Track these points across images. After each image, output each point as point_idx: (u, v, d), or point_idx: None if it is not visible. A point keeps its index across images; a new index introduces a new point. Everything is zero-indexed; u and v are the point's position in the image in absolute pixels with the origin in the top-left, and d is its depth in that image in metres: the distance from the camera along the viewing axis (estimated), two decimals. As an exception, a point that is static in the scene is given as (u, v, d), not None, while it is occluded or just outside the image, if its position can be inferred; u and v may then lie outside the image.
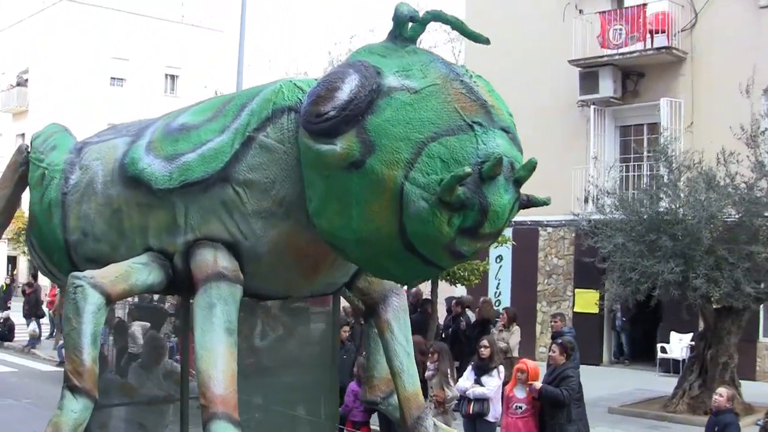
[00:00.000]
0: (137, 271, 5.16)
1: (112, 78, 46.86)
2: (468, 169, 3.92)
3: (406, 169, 4.06)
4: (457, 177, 3.91)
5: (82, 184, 5.91)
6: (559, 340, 10.70)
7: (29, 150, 6.63)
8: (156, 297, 8.22)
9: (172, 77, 49.32)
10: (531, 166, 4.13)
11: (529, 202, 4.35)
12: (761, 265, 14.34)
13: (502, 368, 10.75)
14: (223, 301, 4.85)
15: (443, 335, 15.88)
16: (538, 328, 22.67)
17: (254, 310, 6.59)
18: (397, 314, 5.60)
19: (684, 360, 18.47)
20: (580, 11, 21.87)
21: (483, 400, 10.35)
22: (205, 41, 49.30)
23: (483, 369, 10.51)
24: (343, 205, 4.28)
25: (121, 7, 46.35)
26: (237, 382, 4.85)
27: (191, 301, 5.23)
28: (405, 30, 4.48)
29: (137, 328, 8.88)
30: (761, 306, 15.61)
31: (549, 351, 10.76)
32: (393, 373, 5.50)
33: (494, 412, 10.37)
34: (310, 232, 4.72)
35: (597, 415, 14.49)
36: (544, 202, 4.37)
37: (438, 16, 4.44)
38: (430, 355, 10.64)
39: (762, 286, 14.39)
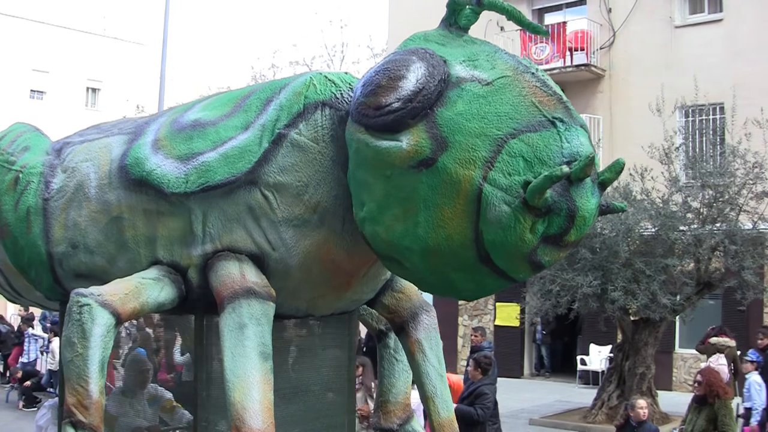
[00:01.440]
0: (148, 288, 4.54)
1: (31, 91, 45.85)
2: (566, 169, 3.48)
3: (485, 168, 3.61)
4: (551, 178, 3.48)
5: (68, 189, 5.24)
6: (475, 356, 10.56)
7: None
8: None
9: (94, 90, 48.51)
10: (618, 168, 3.70)
11: (608, 209, 3.96)
12: (677, 277, 14.70)
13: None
14: (255, 321, 4.26)
15: (365, 349, 15.91)
16: (460, 341, 22.83)
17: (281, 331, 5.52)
18: (429, 333, 5.06)
19: (603, 371, 18.81)
20: (502, 28, 22.19)
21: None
22: (127, 54, 48.63)
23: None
24: (408, 209, 3.80)
25: (42, 19, 45.51)
26: None
27: (205, 322, 4.82)
28: (460, 18, 4.10)
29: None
30: (677, 317, 15.95)
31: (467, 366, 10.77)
32: (425, 398, 4.98)
33: (417, 425, 10.38)
34: (346, 242, 4.38)
35: (518, 427, 14.69)
36: (622, 209, 4.09)
37: (494, 5, 3.98)
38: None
39: (678, 297, 14.75)
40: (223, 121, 4.66)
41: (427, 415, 5.12)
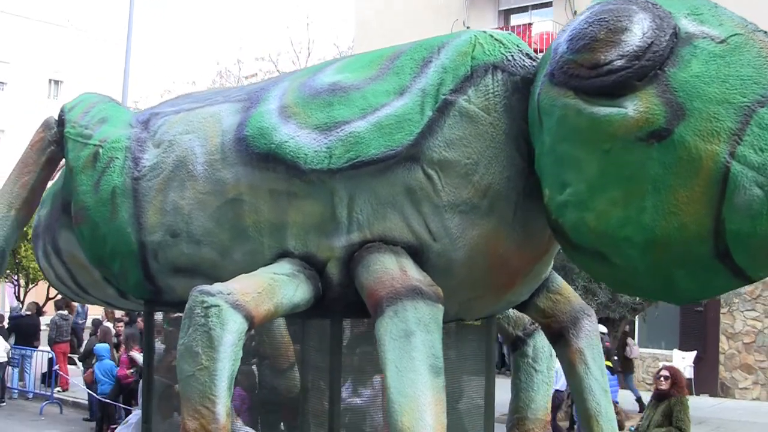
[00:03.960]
0: (282, 286, 3.82)
1: (-8, 81, 45.40)
2: None
3: (731, 143, 2.97)
4: None
5: (165, 166, 4.49)
6: None
7: (64, 124, 5.08)
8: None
9: (56, 82, 47.92)
10: None
11: None
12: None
13: (378, 378, 10.80)
14: (423, 328, 3.55)
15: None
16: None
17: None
18: (591, 342, 4.43)
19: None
20: (468, 28, 22.31)
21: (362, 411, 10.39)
22: (91, 47, 48.10)
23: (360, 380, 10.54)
24: (630, 192, 3.15)
25: (3, 8, 44.94)
26: None
27: (346, 325, 4.23)
28: None
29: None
30: (636, 316, 16.15)
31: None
32: (586, 416, 4.32)
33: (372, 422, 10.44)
34: (516, 233, 3.80)
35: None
36: None
37: None
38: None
39: (637, 297, 14.93)
40: (371, 85, 3.96)
41: None
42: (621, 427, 9.30)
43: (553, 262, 4.38)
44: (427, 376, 3.47)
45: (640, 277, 3.34)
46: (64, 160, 5.14)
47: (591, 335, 4.43)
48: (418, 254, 3.80)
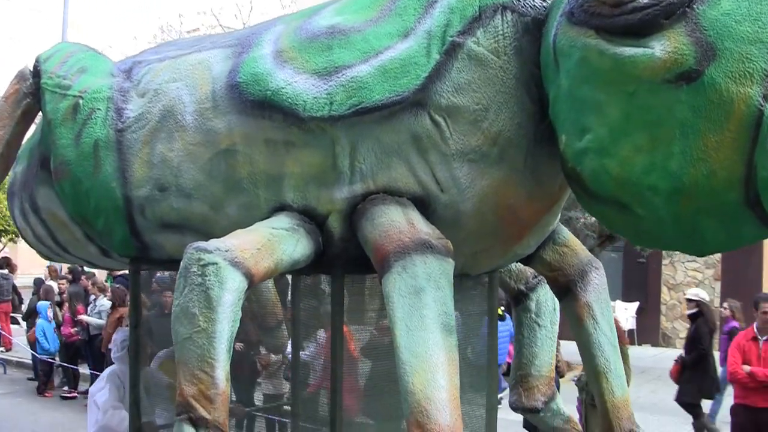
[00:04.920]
0: (282, 241, 3.59)
1: None
2: None
3: (765, 85, 2.76)
4: None
5: (151, 116, 4.23)
6: None
7: (40, 75, 4.76)
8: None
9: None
10: None
11: None
12: (579, 229, 15.03)
13: (322, 332, 10.83)
14: (434, 283, 3.32)
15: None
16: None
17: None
18: (599, 296, 4.26)
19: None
20: None
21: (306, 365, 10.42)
22: (25, 18, 46.89)
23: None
24: (657, 137, 2.94)
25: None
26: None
27: (348, 281, 4.00)
28: None
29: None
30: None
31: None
32: (595, 373, 4.20)
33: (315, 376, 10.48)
34: (527, 183, 3.61)
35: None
36: None
37: None
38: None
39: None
40: (372, 27, 3.70)
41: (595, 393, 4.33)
42: (562, 375, 9.40)
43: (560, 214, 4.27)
44: (439, 335, 3.25)
45: (665, 227, 3.14)
46: (40, 112, 4.88)
47: (599, 289, 4.28)
48: (424, 206, 3.60)
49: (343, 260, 3.81)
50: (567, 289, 4.29)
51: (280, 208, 3.82)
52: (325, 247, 3.78)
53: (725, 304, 12.06)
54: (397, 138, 3.56)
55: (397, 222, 3.47)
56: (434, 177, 3.57)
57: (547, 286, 4.60)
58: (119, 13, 46.65)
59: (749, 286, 17.21)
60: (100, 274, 16.91)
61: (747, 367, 8.19)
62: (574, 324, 4.27)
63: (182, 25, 25.52)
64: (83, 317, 13.70)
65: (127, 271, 6.96)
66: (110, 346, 5.90)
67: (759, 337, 8.31)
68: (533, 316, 4.73)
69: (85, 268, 15.45)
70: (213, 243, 3.44)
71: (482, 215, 3.63)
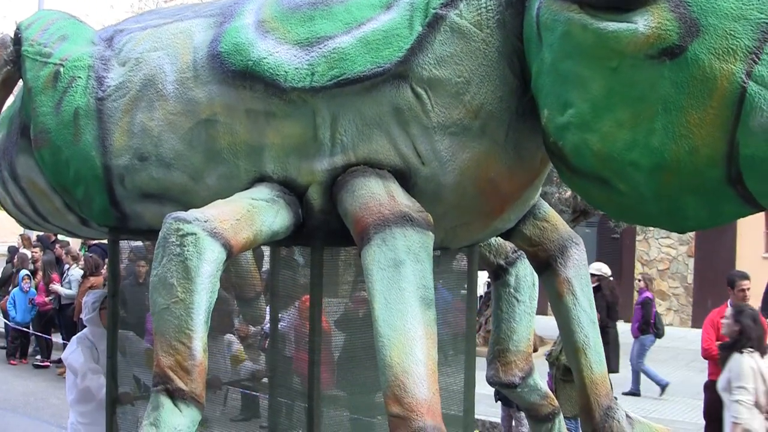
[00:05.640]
0: (262, 212, 3.57)
1: None
2: None
3: (748, 62, 2.75)
4: None
5: (132, 85, 4.18)
6: None
7: (20, 43, 4.68)
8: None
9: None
10: None
11: None
12: (554, 204, 15.08)
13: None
14: (413, 256, 3.31)
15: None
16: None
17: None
18: (579, 271, 4.25)
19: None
20: None
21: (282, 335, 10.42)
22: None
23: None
24: (639, 113, 2.93)
25: None
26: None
27: (327, 253, 3.93)
28: None
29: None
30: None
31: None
32: (574, 349, 4.18)
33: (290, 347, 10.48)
34: (508, 156, 3.59)
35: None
36: None
37: None
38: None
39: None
40: None
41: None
42: (535, 350, 9.47)
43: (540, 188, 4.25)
44: (418, 309, 3.24)
45: (646, 203, 3.14)
46: (21, 80, 4.82)
47: (579, 264, 4.26)
48: (405, 178, 3.58)
49: (323, 232, 3.78)
50: (547, 265, 4.27)
51: (260, 179, 3.79)
52: (305, 219, 3.76)
53: (638, 275, 12.28)
54: (378, 110, 3.55)
55: (377, 194, 3.45)
56: (415, 150, 3.56)
57: (527, 261, 4.58)
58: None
59: (722, 263, 17.39)
60: (75, 243, 16.82)
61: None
62: (554, 299, 4.26)
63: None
64: (55, 286, 13.61)
65: (103, 241, 6.86)
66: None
67: (733, 314, 8.37)
68: (512, 290, 4.72)
69: (59, 236, 15.35)
70: (192, 213, 3.41)
71: (463, 189, 3.62)
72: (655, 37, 2.83)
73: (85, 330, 5.75)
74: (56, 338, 13.84)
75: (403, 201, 3.45)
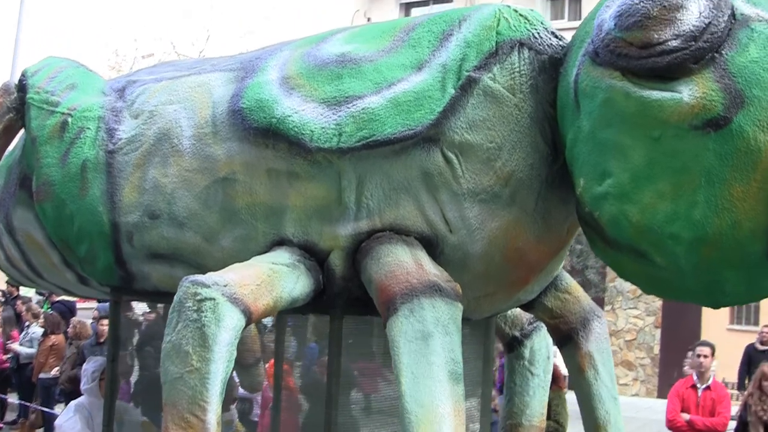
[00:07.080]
0: (282, 277, 3.37)
1: None
2: None
3: None
4: None
5: (145, 139, 3.98)
6: None
7: (26, 90, 4.48)
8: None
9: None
10: None
11: None
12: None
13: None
14: (442, 329, 3.14)
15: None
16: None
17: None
18: (600, 345, 4.11)
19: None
20: (369, 19, 22.24)
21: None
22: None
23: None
24: (681, 184, 2.83)
25: None
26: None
27: (344, 322, 3.74)
28: None
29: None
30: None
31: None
32: (595, 426, 4.02)
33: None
34: (537, 226, 3.48)
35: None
36: None
37: None
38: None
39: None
40: (384, 57, 3.52)
41: None
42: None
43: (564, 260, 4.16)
44: (447, 384, 3.07)
45: (683, 277, 3.01)
46: (23, 129, 4.61)
47: (601, 338, 4.13)
48: (431, 246, 3.42)
49: (344, 300, 3.59)
50: (568, 338, 4.13)
51: (279, 242, 3.60)
52: (325, 286, 3.55)
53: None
54: (406, 174, 3.39)
55: (404, 262, 3.28)
56: (443, 217, 3.41)
57: (542, 333, 4.50)
58: (71, 35, 46.22)
59: (688, 334, 17.38)
60: (36, 299, 16.52)
61: (686, 416, 8.22)
62: (575, 374, 4.12)
63: (137, 50, 25.34)
64: (13, 345, 13.32)
65: (67, 298, 6.56)
66: (81, 377, 5.65)
67: (698, 385, 8.36)
68: (526, 363, 4.56)
69: (20, 292, 15.08)
70: (211, 277, 3.21)
71: (490, 258, 3.48)
72: (700, 108, 2.76)
73: (82, 398, 5.52)
74: (12, 398, 13.49)
75: (432, 270, 3.29)
